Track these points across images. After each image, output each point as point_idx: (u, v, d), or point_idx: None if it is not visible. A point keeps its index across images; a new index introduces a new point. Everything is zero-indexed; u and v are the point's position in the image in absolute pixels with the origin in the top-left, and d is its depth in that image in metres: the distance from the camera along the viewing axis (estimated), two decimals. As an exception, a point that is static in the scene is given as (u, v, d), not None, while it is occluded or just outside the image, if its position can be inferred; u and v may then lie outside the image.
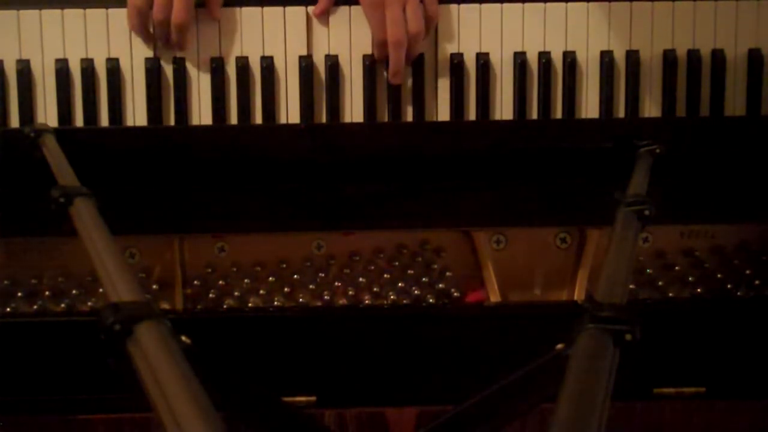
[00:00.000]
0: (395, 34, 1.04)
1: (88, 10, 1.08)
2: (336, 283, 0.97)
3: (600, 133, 0.98)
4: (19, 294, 0.95)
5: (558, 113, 1.10)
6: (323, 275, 0.97)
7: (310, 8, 1.09)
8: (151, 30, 1.08)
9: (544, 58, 1.09)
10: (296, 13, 1.09)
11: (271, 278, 0.97)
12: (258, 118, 1.09)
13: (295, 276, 0.97)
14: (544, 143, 0.97)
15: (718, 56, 1.10)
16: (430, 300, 0.96)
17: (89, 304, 0.95)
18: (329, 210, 0.95)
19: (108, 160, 0.94)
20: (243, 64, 1.08)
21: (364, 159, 0.95)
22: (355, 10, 1.09)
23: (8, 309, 0.94)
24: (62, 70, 1.07)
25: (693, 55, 1.10)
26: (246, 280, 0.96)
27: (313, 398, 0.85)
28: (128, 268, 0.55)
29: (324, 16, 1.09)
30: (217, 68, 1.09)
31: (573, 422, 0.39)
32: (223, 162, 0.95)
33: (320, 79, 1.09)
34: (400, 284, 0.96)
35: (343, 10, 1.10)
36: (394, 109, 1.10)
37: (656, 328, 0.82)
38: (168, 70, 1.09)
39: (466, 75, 1.10)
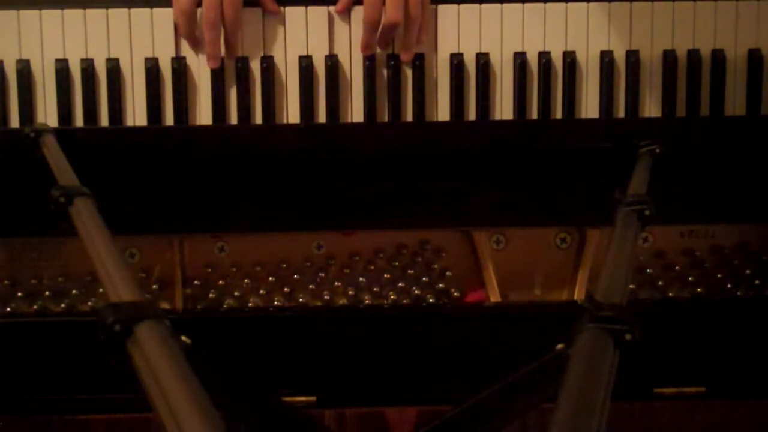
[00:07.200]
0: (394, 15, 1.04)
1: (88, 10, 1.08)
2: (336, 283, 0.97)
3: (600, 133, 0.98)
4: (19, 294, 0.95)
5: (558, 113, 1.10)
6: (323, 275, 0.97)
7: (311, 8, 1.09)
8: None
9: (544, 58, 1.09)
10: (296, 13, 1.09)
11: (271, 278, 0.97)
12: (258, 118, 1.09)
13: (295, 276, 0.97)
14: (544, 143, 0.97)
15: (718, 56, 1.10)
16: (430, 300, 0.96)
17: (89, 304, 0.95)
18: (329, 210, 0.95)
19: (108, 160, 0.94)
20: (243, 64, 1.08)
21: (363, 159, 0.95)
22: (356, 10, 1.09)
23: (8, 309, 0.94)
24: (62, 70, 1.07)
25: (693, 55, 1.10)
26: (246, 280, 0.96)
27: (313, 398, 0.85)
28: (128, 268, 0.55)
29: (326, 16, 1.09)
30: (217, 68, 1.08)
31: (573, 422, 0.39)
32: (223, 162, 0.95)
33: (320, 79, 1.09)
34: (400, 284, 0.96)
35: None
36: (394, 109, 1.09)
37: (656, 328, 0.82)
38: (168, 70, 1.08)
39: (466, 75, 1.10)
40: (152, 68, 1.08)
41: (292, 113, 1.09)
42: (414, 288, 0.96)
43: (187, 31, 1.06)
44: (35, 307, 0.94)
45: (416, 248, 0.98)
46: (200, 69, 1.09)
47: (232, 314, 0.93)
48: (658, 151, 0.89)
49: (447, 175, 0.95)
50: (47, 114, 1.08)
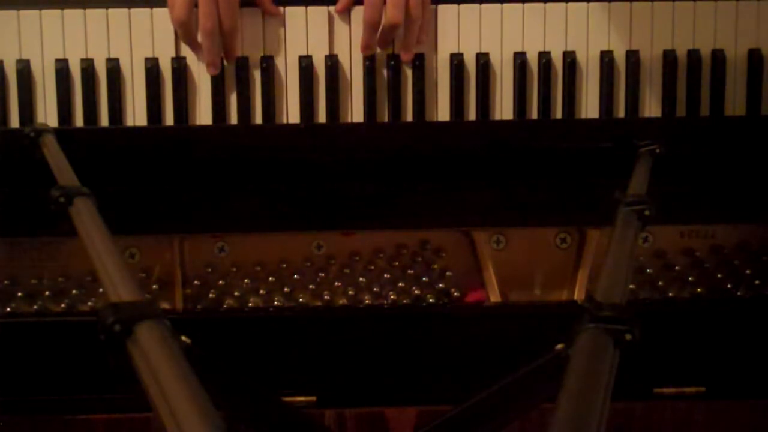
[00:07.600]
0: (394, 16, 1.04)
1: (88, 10, 1.08)
2: (336, 283, 0.97)
3: (600, 133, 0.98)
4: (19, 294, 0.95)
5: (558, 113, 1.10)
6: (323, 275, 0.97)
7: (310, 9, 1.09)
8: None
9: (544, 58, 1.09)
10: (296, 13, 1.09)
11: (271, 278, 0.97)
12: (258, 118, 1.09)
13: (295, 276, 0.97)
14: (544, 143, 0.98)
15: (718, 56, 1.10)
16: (430, 300, 0.96)
17: (89, 304, 0.95)
18: (329, 210, 0.95)
19: (108, 160, 0.94)
20: (243, 65, 1.08)
21: (363, 159, 0.95)
22: (356, 10, 1.09)
23: (8, 309, 0.94)
24: (62, 70, 1.07)
25: (693, 55, 1.10)
26: (246, 280, 0.96)
27: (313, 398, 0.85)
28: (128, 268, 0.55)
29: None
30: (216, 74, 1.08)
31: (573, 422, 0.39)
32: (223, 162, 0.95)
33: (320, 79, 1.09)
34: (400, 284, 0.96)
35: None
36: (394, 109, 1.09)
37: (656, 328, 0.82)
38: (168, 70, 1.08)
39: (466, 75, 1.10)
40: (152, 68, 1.08)
41: (292, 113, 1.09)
42: (414, 288, 0.96)
43: (187, 39, 1.06)
44: (35, 307, 0.94)
45: (416, 248, 0.98)
46: (200, 69, 1.09)
47: (232, 314, 0.93)
48: (658, 151, 0.89)
49: (447, 175, 0.95)
50: (47, 114, 1.08)
